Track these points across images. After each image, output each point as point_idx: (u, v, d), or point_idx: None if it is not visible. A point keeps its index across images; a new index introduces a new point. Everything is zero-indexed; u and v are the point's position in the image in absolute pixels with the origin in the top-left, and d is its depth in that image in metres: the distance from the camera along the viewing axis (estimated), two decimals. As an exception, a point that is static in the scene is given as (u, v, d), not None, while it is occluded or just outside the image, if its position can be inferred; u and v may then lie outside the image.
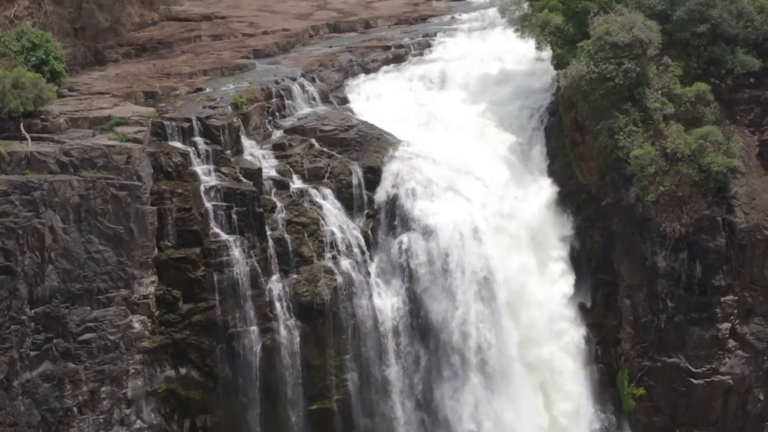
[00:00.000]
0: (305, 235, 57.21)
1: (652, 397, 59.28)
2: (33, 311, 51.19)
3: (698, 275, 58.50)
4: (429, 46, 74.33)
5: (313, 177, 58.96)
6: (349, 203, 58.96)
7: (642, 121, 58.76)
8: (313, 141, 60.37)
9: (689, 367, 58.90)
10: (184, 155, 56.06)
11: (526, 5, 67.36)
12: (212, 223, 55.50)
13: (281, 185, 57.95)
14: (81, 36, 67.41)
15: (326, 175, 59.03)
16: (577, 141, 61.88)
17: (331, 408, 56.97)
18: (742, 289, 58.78)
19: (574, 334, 60.47)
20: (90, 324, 53.04)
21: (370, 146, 60.27)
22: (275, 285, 56.27)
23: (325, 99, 65.35)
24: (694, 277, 58.54)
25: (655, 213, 58.24)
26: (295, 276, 56.71)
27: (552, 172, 62.53)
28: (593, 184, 60.76)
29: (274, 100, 62.38)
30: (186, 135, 57.01)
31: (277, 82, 63.85)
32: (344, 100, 66.72)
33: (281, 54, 71.95)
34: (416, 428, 58.19)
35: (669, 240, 58.23)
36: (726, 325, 58.76)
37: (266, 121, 61.29)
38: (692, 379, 58.96)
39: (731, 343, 58.89)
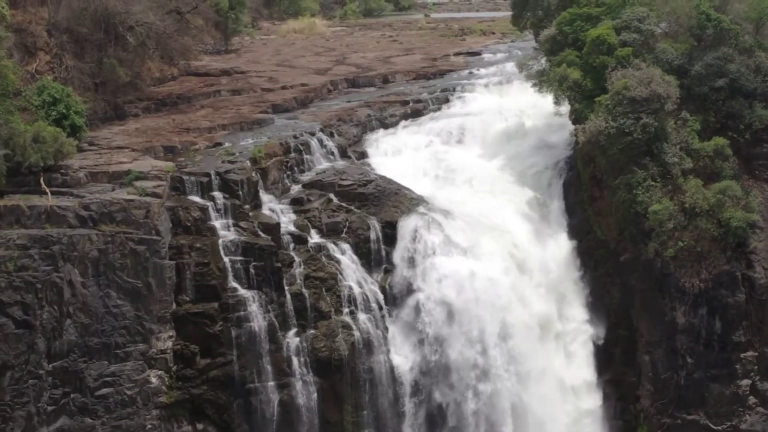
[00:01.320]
0: (323, 289, 57.14)
1: (673, 454, 58.94)
2: (51, 365, 51.16)
3: (718, 331, 58.18)
4: (447, 101, 74.68)
5: (331, 232, 59.01)
6: (367, 258, 58.91)
7: (660, 176, 58.78)
8: (332, 196, 60.50)
9: (709, 424, 58.40)
10: (203, 210, 56.18)
11: (543, 60, 67.68)
12: (230, 278, 55.50)
13: (299, 240, 57.97)
14: (101, 91, 67.86)
15: (344, 229, 59.07)
16: (596, 196, 61.87)
17: (349, 464, 56.75)
18: (762, 345, 58.36)
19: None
20: (107, 379, 52.92)
21: (388, 201, 60.31)
22: (293, 340, 56.16)
23: (343, 153, 65.56)
24: (713, 332, 58.22)
25: (674, 268, 58.06)
26: (312, 331, 56.59)
27: (571, 228, 62.40)
28: (612, 239, 60.65)
29: (292, 154, 62.65)
30: (205, 189, 57.18)
31: (295, 137, 64.13)
32: (363, 155, 66.93)
33: (300, 109, 72.32)
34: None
35: (688, 295, 58.00)
36: (746, 382, 58.29)
37: (285, 175, 61.50)
38: (713, 437, 58.60)
39: (752, 399, 58.40)
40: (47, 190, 53.36)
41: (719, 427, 58.39)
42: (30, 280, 50.31)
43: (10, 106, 55.08)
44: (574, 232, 62.28)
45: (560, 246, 61.77)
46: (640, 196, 58.26)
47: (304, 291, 56.80)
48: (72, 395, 51.91)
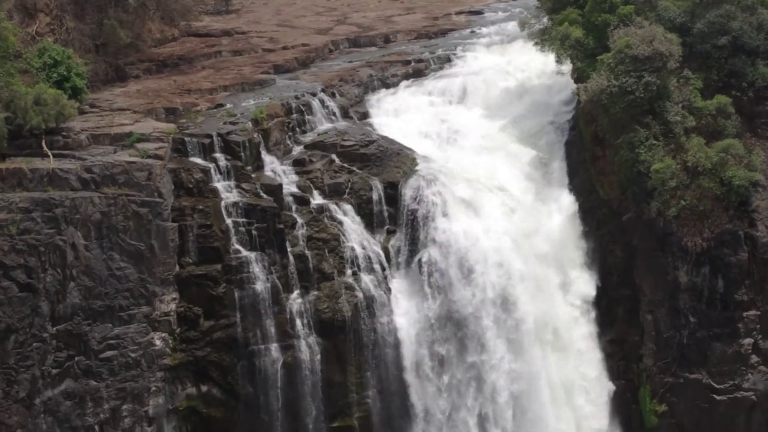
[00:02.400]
0: (326, 251, 57.16)
1: (675, 413, 58.92)
2: (55, 329, 51.18)
3: (720, 290, 58.19)
4: (449, 60, 74.23)
5: (334, 193, 58.98)
6: (370, 219, 58.92)
7: (663, 135, 58.62)
8: (334, 156, 60.37)
9: (712, 383, 58.54)
10: (205, 171, 56.13)
11: (545, 19, 67.39)
12: (233, 240, 55.53)
13: (302, 201, 57.94)
14: (102, 52, 67.61)
15: (346, 190, 59.02)
16: (598, 155, 61.75)
17: (353, 426, 56.78)
18: (764, 303, 58.36)
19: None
20: (111, 341, 53.02)
21: (390, 161, 60.22)
22: (296, 301, 56.24)
23: (345, 114, 65.36)
24: (716, 291, 58.24)
25: (677, 227, 58.03)
26: (315, 292, 56.67)
27: (573, 187, 62.31)
28: (614, 198, 60.59)
29: (294, 115, 62.47)
30: (207, 151, 57.08)
31: (297, 98, 63.91)
32: (364, 115, 66.74)
33: (301, 69, 71.98)
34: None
35: (691, 254, 57.98)
36: (749, 341, 58.36)
37: (287, 136, 61.36)
38: (715, 396, 58.56)
39: (754, 358, 58.48)
40: (49, 153, 53.22)
41: (721, 386, 58.50)
42: (33, 243, 50.24)
43: (11, 69, 54.83)
44: (576, 191, 62.17)
45: (562, 206, 61.68)
46: (643, 155, 58.11)
47: (307, 252, 56.81)
48: (76, 358, 51.96)
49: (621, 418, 60.64)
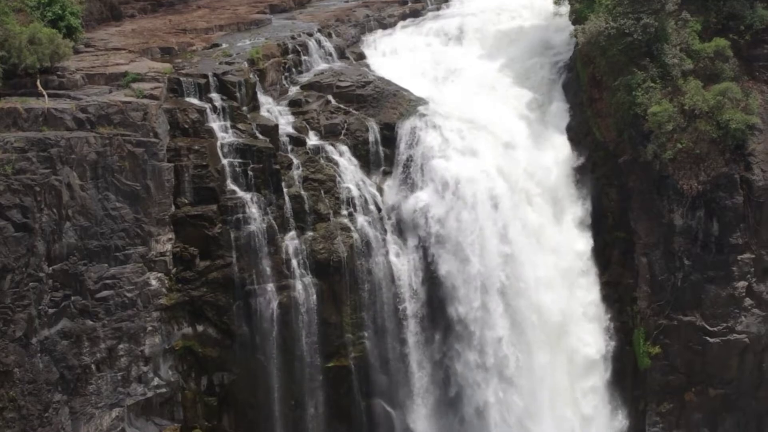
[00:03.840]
0: (321, 192, 57.22)
1: (668, 355, 59.27)
2: (51, 268, 51.24)
3: (715, 233, 58.31)
4: (446, 0, 73.78)
5: (330, 134, 58.91)
6: (366, 160, 58.92)
7: (660, 77, 58.39)
8: (330, 97, 60.24)
9: (705, 325, 58.83)
10: (201, 112, 55.96)
11: (544, -41, 67.00)
12: (229, 180, 55.57)
13: (298, 142, 57.89)
14: (97, -9, 67.22)
15: (343, 131, 58.96)
16: (595, 97, 61.55)
17: (348, 366, 57.21)
18: (759, 247, 58.54)
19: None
20: (107, 281, 53.16)
21: (386, 102, 60.09)
22: (291, 242, 56.37)
23: (341, 55, 65.12)
24: (711, 235, 58.35)
25: (673, 170, 57.97)
26: (311, 233, 56.80)
27: (569, 129, 62.15)
28: (610, 140, 60.47)
29: (290, 56, 62.22)
30: (202, 91, 56.90)
31: (293, 38, 63.62)
32: (361, 56, 66.52)
33: (297, 9, 71.76)
34: (433, 386, 58.27)
35: (686, 198, 57.99)
36: (742, 284, 58.56)
37: (282, 77, 61.13)
38: (708, 338, 58.88)
39: (747, 301, 58.73)
40: (44, 93, 53.02)
41: (715, 329, 58.82)
42: (28, 183, 50.15)
43: (5, 7, 54.48)
44: (572, 133, 62.03)
45: (558, 147, 61.57)
46: (640, 98, 57.91)
47: (303, 193, 56.89)
48: (72, 298, 52.13)
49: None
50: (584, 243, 60.65)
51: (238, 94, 57.26)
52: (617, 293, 60.63)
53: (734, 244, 58.31)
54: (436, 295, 58.25)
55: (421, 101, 60.80)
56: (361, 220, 57.54)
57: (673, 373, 59.49)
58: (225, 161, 55.37)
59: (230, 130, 56.30)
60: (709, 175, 57.86)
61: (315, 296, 56.45)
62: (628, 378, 60.55)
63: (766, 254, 58.65)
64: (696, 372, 59.48)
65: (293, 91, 60.98)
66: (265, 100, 59.09)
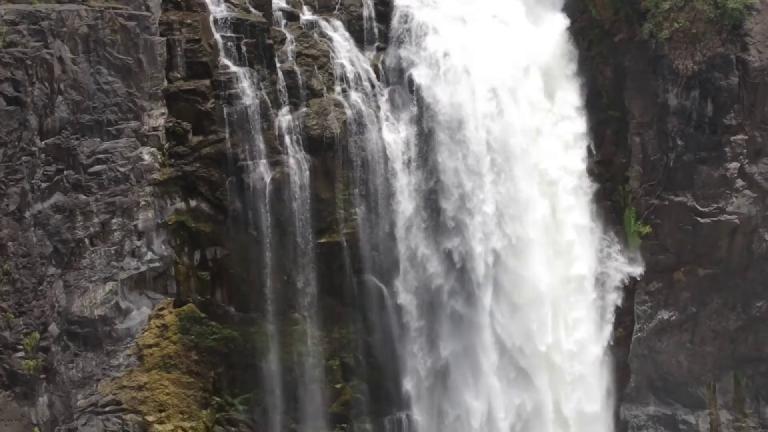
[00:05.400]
0: (315, 67, 56.85)
1: (658, 235, 59.80)
2: (43, 142, 51.09)
3: (709, 114, 58.27)
4: None
5: (324, 8, 58.39)
6: (360, 36, 58.45)
7: (658, -47, 57.77)
8: (324, -30, 59.44)
9: (696, 206, 59.19)
10: (193, -16, 55.31)
11: None
12: (222, 55, 55.12)
13: (291, 16, 57.35)
14: None
15: (336, 6, 58.43)
16: (591, -26, 60.93)
17: (340, 241, 57.44)
18: (752, 128, 58.53)
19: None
20: (100, 156, 53.10)
21: (382, -24, 59.30)
22: (285, 117, 56.17)
23: (336, -73, 63.93)
24: (705, 115, 58.31)
25: (669, 50, 57.71)
26: (304, 109, 56.57)
27: (565, 7, 61.42)
28: (607, 19, 59.94)
29: (283, -74, 61.16)
30: (194, -37, 56.11)
31: None
32: (355, -71, 65.27)
33: None
34: (423, 262, 58.68)
35: (681, 77, 57.84)
36: (735, 165, 58.72)
37: (276, -51, 60.18)
38: (699, 218, 59.32)
39: (739, 182, 58.97)
40: (34, -36, 52.34)
41: (706, 209, 59.19)
42: (20, 56, 49.59)
43: None
44: (568, 11, 61.32)
45: (554, 25, 60.97)
46: (637, -25, 57.46)
47: (296, 68, 56.51)
48: (65, 172, 52.12)
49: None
50: (578, 121, 60.48)
51: (230, -33, 56.53)
52: (609, 172, 60.71)
53: (728, 125, 58.31)
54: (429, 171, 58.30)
55: (416, -25, 59.96)
56: (354, 96, 57.27)
57: (663, 252, 60.07)
58: (218, 35, 54.88)
59: (223, 4, 55.70)
60: (705, 55, 57.57)
61: (308, 172, 56.46)
62: (618, 257, 61.17)
63: (760, 136, 58.67)
64: (686, 252, 60.07)
65: (287, -36, 60.14)
66: (257, -27, 58.30)
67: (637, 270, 60.25)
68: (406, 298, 58.70)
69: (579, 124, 60.35)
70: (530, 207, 58.78)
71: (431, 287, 58.90)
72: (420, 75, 57.78)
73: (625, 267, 60.46)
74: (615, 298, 60.92)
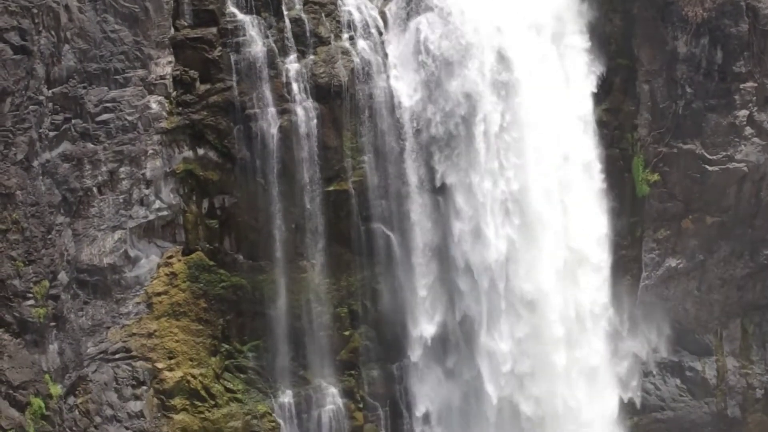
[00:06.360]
0: (322, 15, 56.55)
1: (666, 183, 59.70)
2: (50, 91, 51.12)
3: (718, 61, 57.99)
4: None
5: (331, -45, 57.95)
6: (367, -19, 58.13)
7: None
8: None
9: (705, 153, 59.04)
10: (197, -70, 55.07)
11: None
12: (229, 2, 54.94)
13: (297, -37, 57.03)
14: None
15: (343, -48, 57.98)
16: None
17: (348, 190, 57.50)
18: (762, 75, 58.22)
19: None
20: (108, 104, 53.17)
21: None
22: (292, 66, 56.01)
23: None
24: (714, 63, 58.04)
25: (678, -4, 57.47)
26: (312, 57, 56.37)
27: (573, -48, 61.07)
28: (615, -35, 59.62)
29: None
30: None
31: None
32: None
33: None
34: (430, 210, 58.69)
35: (691, 25, 57.45)
36: (744, 113, 58.53)
37: None
38: (707, 166, 59.21)
39: (748, 130, 58.78)
40: None
41: (714, 157, 59.06)
42: (25, 5, 49.45)
43: None
44: (576, -44, 60.99)
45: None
46: None
47: (303, 16, 56.20)
48: (73, 121, 52.22)
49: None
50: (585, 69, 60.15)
51: None
52: (617, 120, 60.46)
53: (737, 73, 58.03)
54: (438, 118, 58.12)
55: None
56: (362, 43, 56.99)
57: (671, 200, 60.00)
58: (224, -17, 54.73)
59: (228, -50, 55.48)
60: (715, 2, 57.18)
61: (315, 120, 56.38)
62: (626, 205, 60.93)
63: (769, 83, 58.56)
64: (694, 200, 59.99)
65: None
66: None
67: None
68: (415, 246, 58.91)
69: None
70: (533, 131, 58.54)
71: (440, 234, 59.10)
72: (427, 23, 57.45)
73: None
74: None
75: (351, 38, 57.00)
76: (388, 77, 57.30)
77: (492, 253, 58.45)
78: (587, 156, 59.74)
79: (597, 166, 59.83)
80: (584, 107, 59.74)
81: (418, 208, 58.42)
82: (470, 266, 58.90)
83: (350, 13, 56.97)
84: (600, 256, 60.31)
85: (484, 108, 57.60)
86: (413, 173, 58.06)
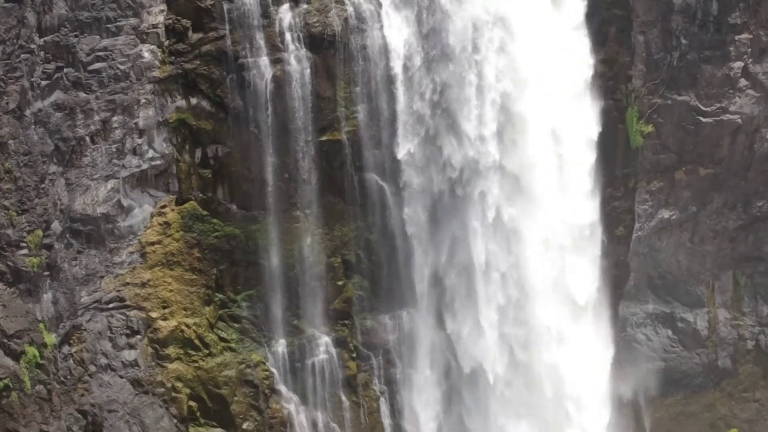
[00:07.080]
0: (316, -37, 56.35)
1: (660, 134, 59.64)
2: (42, 40, 51.00)
3: (714, 12, 57.83)
4: None
5: None
6: (361, -70, 57.69)
7: None
8: None
9: (699, 105, 59.00)
10: None
11: None
12: (221, -50, 54.73)
13: None
14: None
15: None
16: None
17: (341, 139, 57.48)
18: (757, 27, 58.09)
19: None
20: (100, 53, 53.02)
21: None
22: (286, 15, 55.82)
23: None
24: (709, 14, 57.86)
25: (675, -53, 57.12)
26: (305, 6, 56.15)
27: None
28: None
29: None
30: None
31: None
32: None
33: None
34: (424, 161, 58.65)
35: (687, -25, 57.35)
36: (739, 64, 58.45)
37: None
38: (701, 118, 59.19)
39: (743, 82, 58.72)
40: None
41: (708, 108, 59.06)
42: (17, -48, 49.38)
43: None
44: None
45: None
46: None
47: (297, -36, 56.05)
48: (65, 70, 52.13)
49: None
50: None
51: None
52: (612, 71, 60.21)
53: (732, 24, 57.91)
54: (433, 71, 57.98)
55: None
56: (355, -8, 56.88)
57: (665, 152, 59.98)
58: (216, -70, 54.37)
59: None
60: (712, -48, 57.04)
61: (309, 70, 56.25)
62: (619, 156, 60.91)
63: (764, 35, 58.26)
64: (687, 151, 60.02)
65: None
66: None
67: None
68: (407, 196, 58.96)
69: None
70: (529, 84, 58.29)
71: (433, 184, 59.11)
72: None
73: None
74: None
75: (344, -14, 56.79)
76: (381, 26, 56.98)
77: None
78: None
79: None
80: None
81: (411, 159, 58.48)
82: None
83: (344, -39, 56.71)
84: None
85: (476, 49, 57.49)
86: (404, 119, 57.83)
